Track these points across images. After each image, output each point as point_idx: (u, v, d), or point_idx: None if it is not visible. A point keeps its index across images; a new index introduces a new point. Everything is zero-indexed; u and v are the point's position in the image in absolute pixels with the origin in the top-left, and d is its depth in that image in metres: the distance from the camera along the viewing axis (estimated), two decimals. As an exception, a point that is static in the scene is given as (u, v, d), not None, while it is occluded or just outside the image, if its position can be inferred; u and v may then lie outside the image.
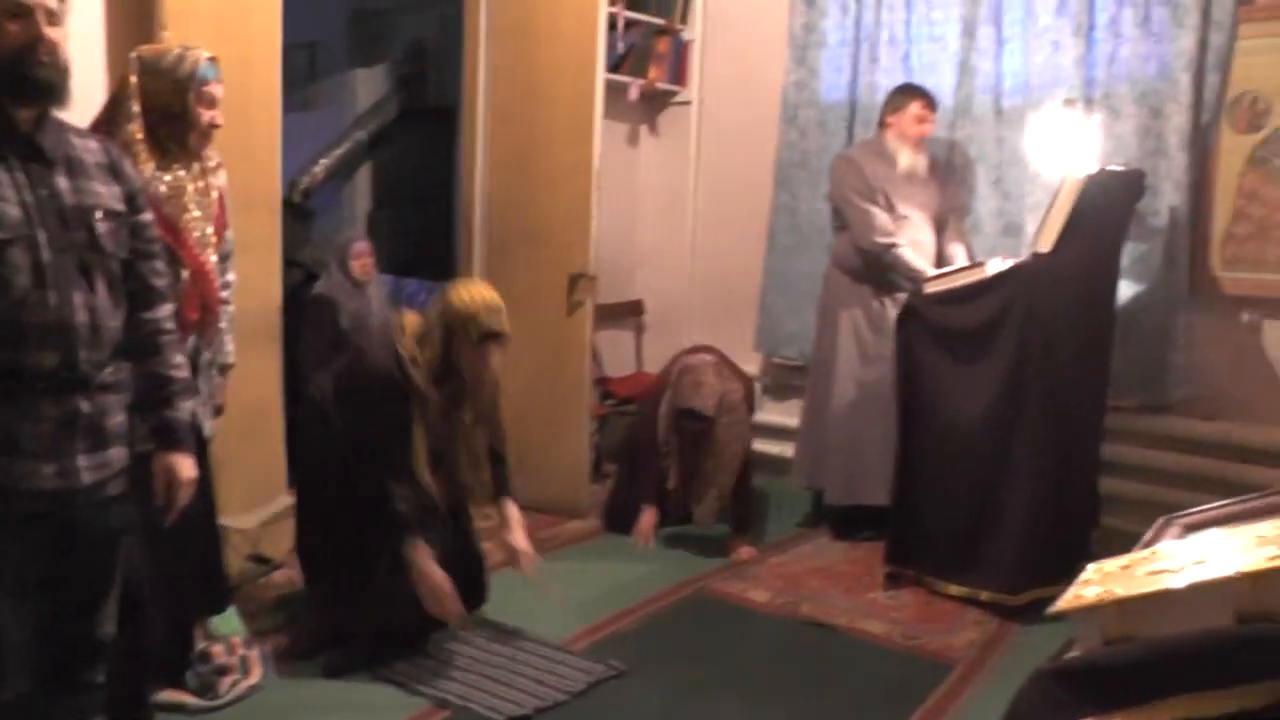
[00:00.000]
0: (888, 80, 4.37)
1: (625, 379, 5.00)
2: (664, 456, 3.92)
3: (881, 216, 3.86)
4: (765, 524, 4.18)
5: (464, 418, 2.97)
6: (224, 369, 2.83)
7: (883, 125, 4.04)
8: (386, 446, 2.78)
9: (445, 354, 2.89)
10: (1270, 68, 3.73)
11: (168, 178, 2.50)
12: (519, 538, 3.06)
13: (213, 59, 2.56)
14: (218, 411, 2.80)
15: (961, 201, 4.18)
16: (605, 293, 4.66)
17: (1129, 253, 3.73)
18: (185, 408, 2.09)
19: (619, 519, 4.11)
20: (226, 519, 3.02)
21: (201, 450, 2.49)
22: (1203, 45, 3.74)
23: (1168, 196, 3.78)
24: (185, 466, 2.08)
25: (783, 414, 4.84)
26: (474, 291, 2.94)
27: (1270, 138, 3.70)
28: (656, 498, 3.99)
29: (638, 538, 3.99)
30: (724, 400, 3.90)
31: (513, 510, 3.09)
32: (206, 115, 2.54)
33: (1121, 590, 1.47)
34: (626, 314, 5.02)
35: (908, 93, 4.01)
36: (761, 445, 4.64)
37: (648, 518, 4.00)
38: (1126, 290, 3.81)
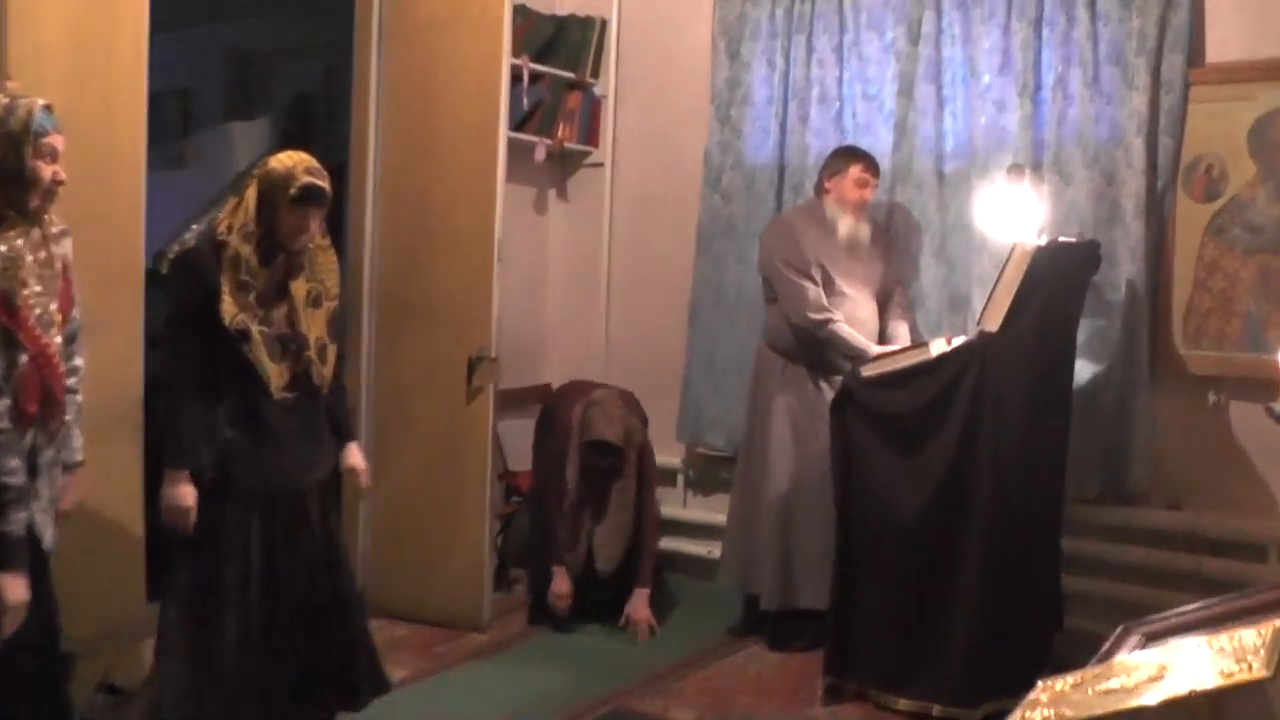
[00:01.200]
0: (819, 141, 4.40)
1: (532, 473, 4.73)
2: (573, 505, 4.16)
3: (816, 290, 3.84)
4: (689, 630, 4.12)
5: (296, 294, 2.94)
6: (70, 468, 2.71)
7: (820, 190, 4.07)
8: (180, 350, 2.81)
9: (263, 221, 2.87)
10: (1224, 132, 3.79)
11: (2, 248, 2.41)
12: (354, 457, 3.16)
13: (48, 106, 2.49)
14: (63, 518, 2.66)
15: (904, 273, 4.17)
16: (509, 376, 4.58)
17: (1085, 329, 3.71)
18: (18, 519, 2.07)
19: (539, 603, 4.23)
20: (72, 643, 2.82)
21: (41, 565, 2.39)
22: (1154, 107, 3.80)
23: (1124, 268, 3.83)
24: (15, 589, 2.05)
25: (708, 509, 4.77)
26: (292, 153, 2.97)
27: (1228, 205, 3.77)
28: (567, 556, 4.14)
29: (554, 603, 4.12)
30: (630, 433, 4.17)
31: (353, 450, 3.18)
32: (48, 171, 2.47)
33: (1071, 713, 1.49)
34: (533, 400, 4.89)
35: (848, 155, 4.05)
36: (685, 544, 4.68)
37: (561, 581, 4.11)
38: (1083, 370, 3.80)
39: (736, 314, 4.57)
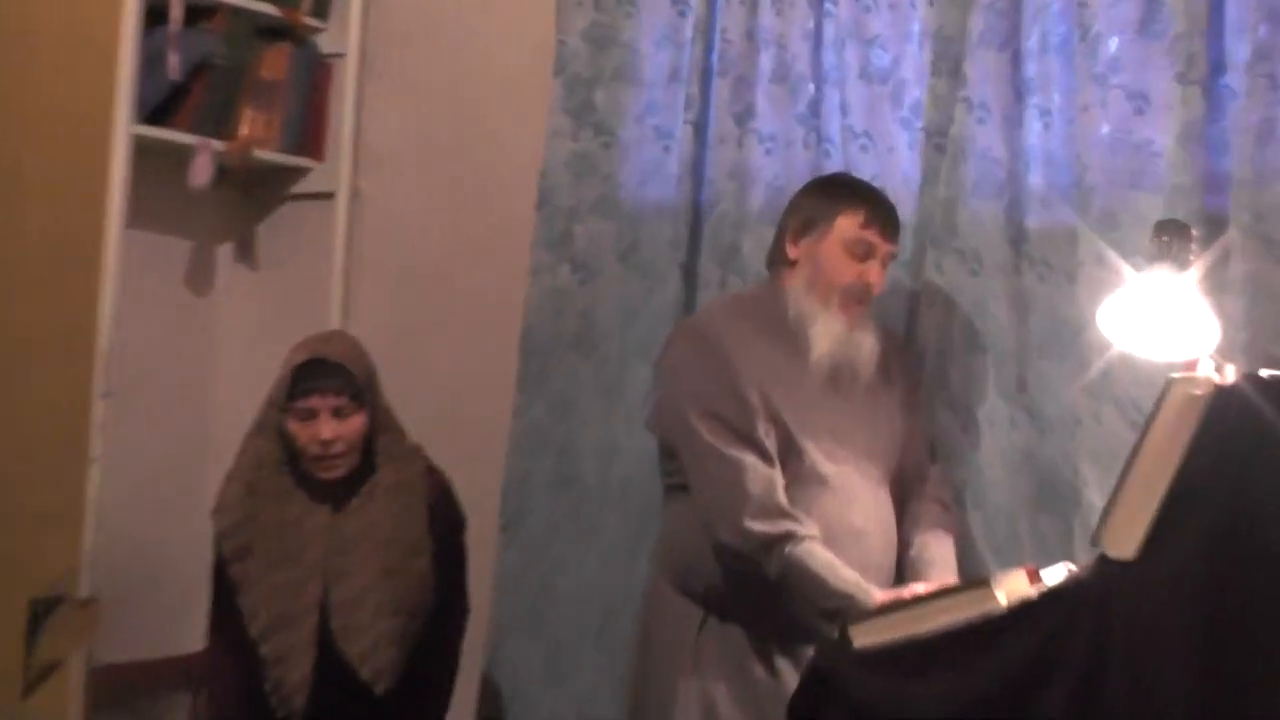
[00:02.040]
0: (775, 164, 3.96)
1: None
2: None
3: (765, 470, 3.44)
4: None
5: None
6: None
7: (779, 262, 3.63)
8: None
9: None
10: None
11: None
12: None
13: None
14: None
15: (943, 432, 3.80)
16: (125, 636, 4.20)
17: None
18: None
19: None
20: None
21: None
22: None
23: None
24: None
25: None
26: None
27: None
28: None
29: None
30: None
31: None
32: None
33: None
34: (180, 682, 4.33)
35: (836, 195, 3.58)
36: None
37: None
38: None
39: (599, 510, 4.10)
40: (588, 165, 4.23)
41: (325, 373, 3.68)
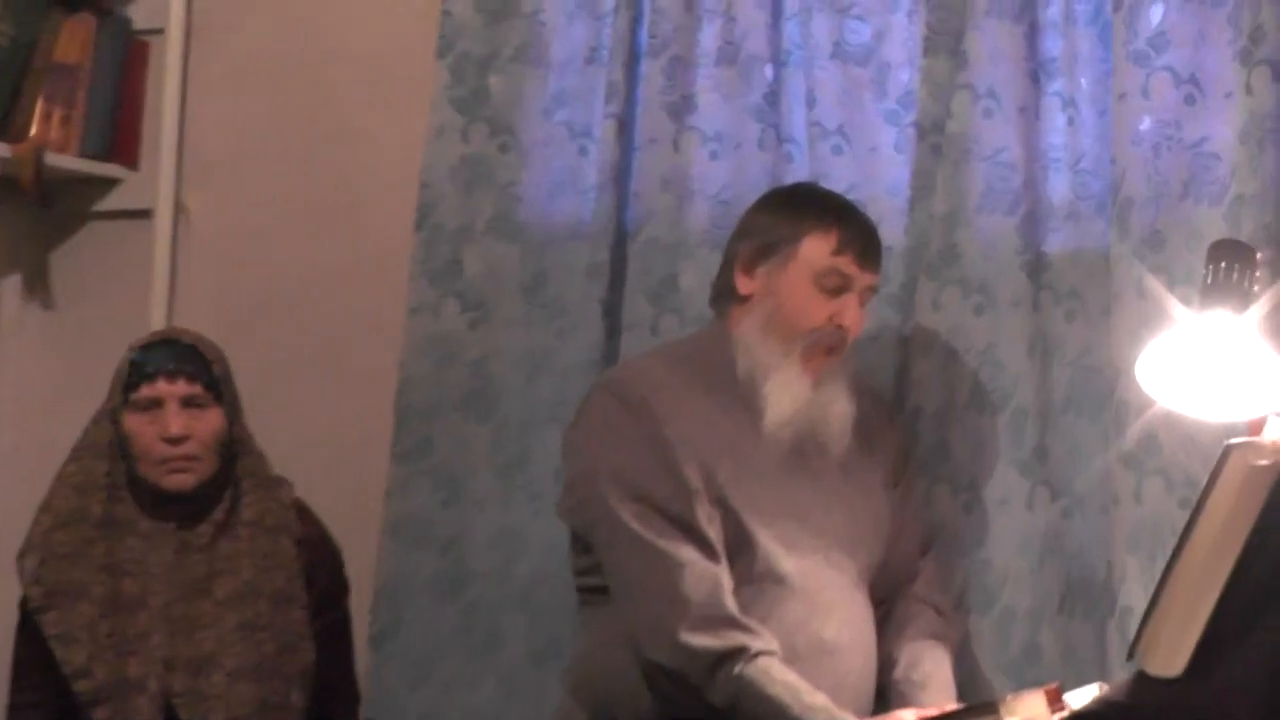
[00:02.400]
0: (722, 173, 3.87)
1: None
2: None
3: (706, 568, 3.38)
4: None
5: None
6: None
7: (727, 300, 3.53)
8: None
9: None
10: None
11: None
12: None
13: None
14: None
15: (937, 516, 3.72)
16: None
17: None
18: None
19: None
20: None
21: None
22: None
23: None
24: None
25: None
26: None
27: None
28: None
29: None
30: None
31: None
32: None
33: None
34: None
35: (803, 211, 3.48)
36: None
37: None
38: None
39: (500, 623, 4.01)
40: (481, 172, 4.03)
41: (174, 356, 3.67)
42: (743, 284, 3.55)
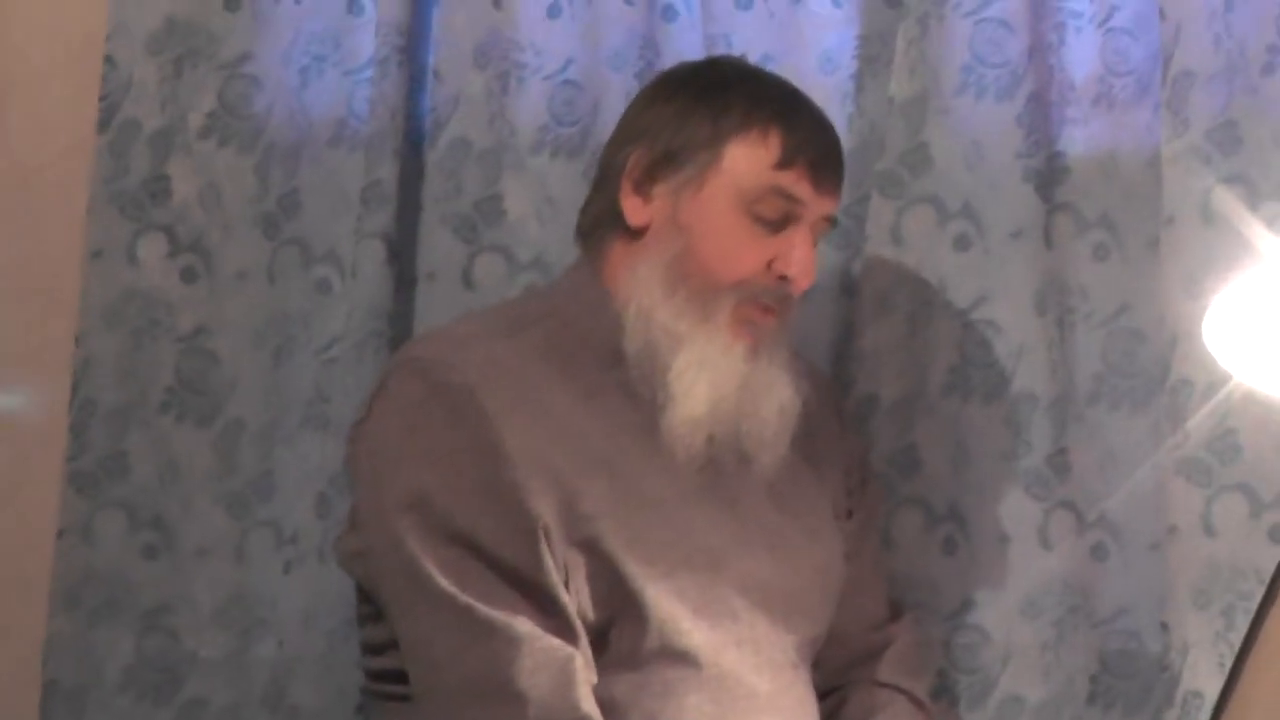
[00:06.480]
0: (580, 38, 3.18)
1: None
2: None
3: (554, 651, 2.69)
4: None
5: None
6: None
7: (605, 232, 2.78)
8: None
9: None
10: None
11: None
12: None
13: None
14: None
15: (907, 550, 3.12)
16: None
17: None
18: None
19: None
20: None
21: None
22: None
23: None
24: None
25: None
26: None
27: None
28: None
29: None
30: None
31: None
32: None
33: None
34: None
35: (728, 100, 2.76)
36: None
37: None
38: None
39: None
40: (196, 43, 3.08)
41: None
42: (632, 210, 2.60)
